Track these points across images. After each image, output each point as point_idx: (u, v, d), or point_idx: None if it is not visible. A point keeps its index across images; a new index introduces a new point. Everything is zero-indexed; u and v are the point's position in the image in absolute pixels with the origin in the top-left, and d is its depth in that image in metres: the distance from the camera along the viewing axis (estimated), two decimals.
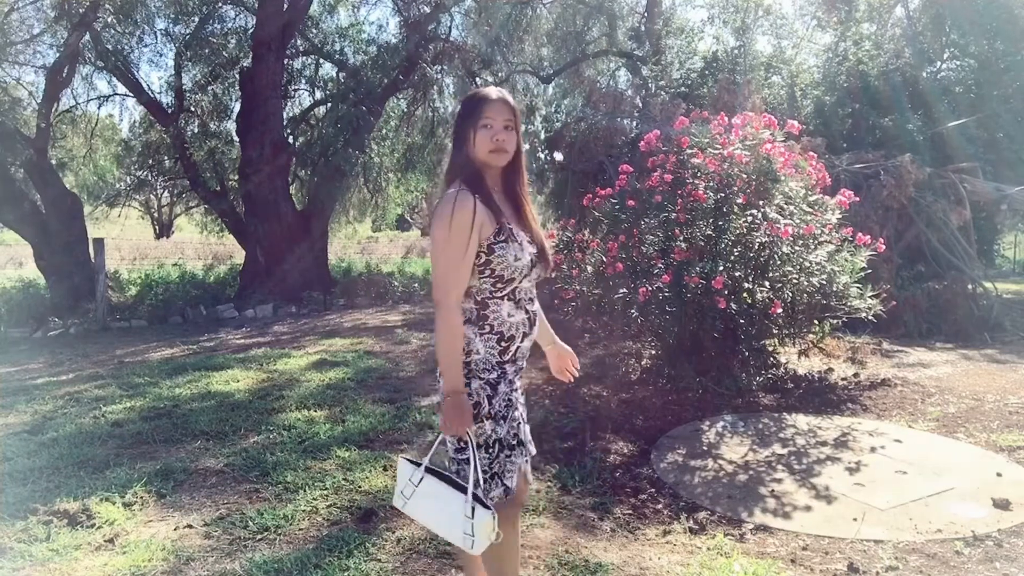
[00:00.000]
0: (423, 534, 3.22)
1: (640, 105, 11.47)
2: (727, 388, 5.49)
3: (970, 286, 8.42)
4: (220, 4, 12.78)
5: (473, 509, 2.02)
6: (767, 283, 5.35)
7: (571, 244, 6.00)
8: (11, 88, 12.29)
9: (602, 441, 4.49)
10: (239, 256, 14.68)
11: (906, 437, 4.57)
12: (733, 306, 5.24)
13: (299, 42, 13.42)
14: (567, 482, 3.81)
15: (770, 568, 2.92)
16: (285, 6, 11.71)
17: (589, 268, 5.74)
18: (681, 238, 5.43)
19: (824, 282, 5.31)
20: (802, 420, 4.95)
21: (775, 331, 5.72)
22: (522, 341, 2.22)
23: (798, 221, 5.33)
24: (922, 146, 9.88)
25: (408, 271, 14.94)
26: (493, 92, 2.17)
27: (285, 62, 12.63)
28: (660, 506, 3.58)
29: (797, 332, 5.92)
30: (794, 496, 3.66)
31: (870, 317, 5.54)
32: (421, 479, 2.16)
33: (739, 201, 5.33)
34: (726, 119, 5.60)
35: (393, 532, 3.24)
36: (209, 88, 13.19)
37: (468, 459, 2.10)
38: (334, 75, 14.44)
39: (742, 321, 5.44)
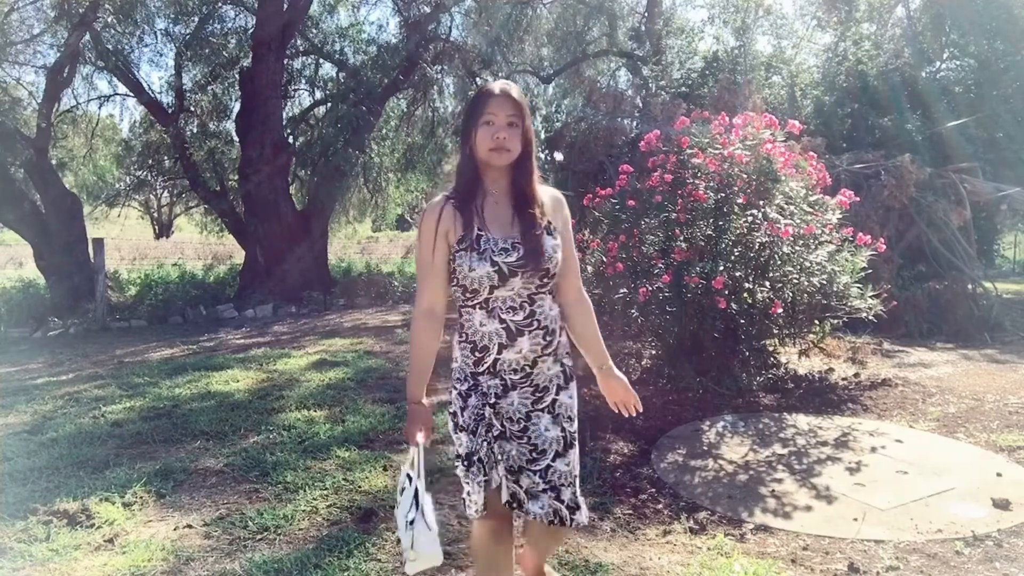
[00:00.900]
0: None
1: (640, 105, 11.47)
2: (727, 388, 5.49)
3: (970, 286, 8.42)
4: (220, 4, 12.78)
5: (409, 523, 1.94)
6: (767, 283, 5.35)
7: None
8: (11, 88, 12.29)
9: (602, 441, 4.48)
10: (239, 256, 14.68)
11: (907, 437, 4.57)
12: (733, 306, 5.24)
13: (299, 42, 13.42)
14: None
15: (770, 568, 2.91)
16: (285, 6, 11.71)
17: (589, 268, 5.74)
18: (681, 238, 5.42)
19: (824, 282, 5.30)
20: (802, 420, 4.94)
21: (775, 331, 5.71)
22: (499, 352, 2.07)
23: (798, 221, 5.32)
24: (921, 146, 9.88)
25: (408, 271, 14.93)
26: (497, 86, 2.06)
27: (285, 62, 12.63)
28: (660, 506, 3.58)
29: (797, 332, 5.91)
30: (794, 496, 3.66)
31: (870, 317, 5.54)
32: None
33: (739, 201, 5.32)
34: (727, 119, 5.59)
35: (393, 532, 3.23)
36: (209, 88, 13.18)
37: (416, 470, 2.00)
38: (334, 75, 14.44)
39: (742, 321, 5.43)
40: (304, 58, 14.27)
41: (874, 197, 8.10)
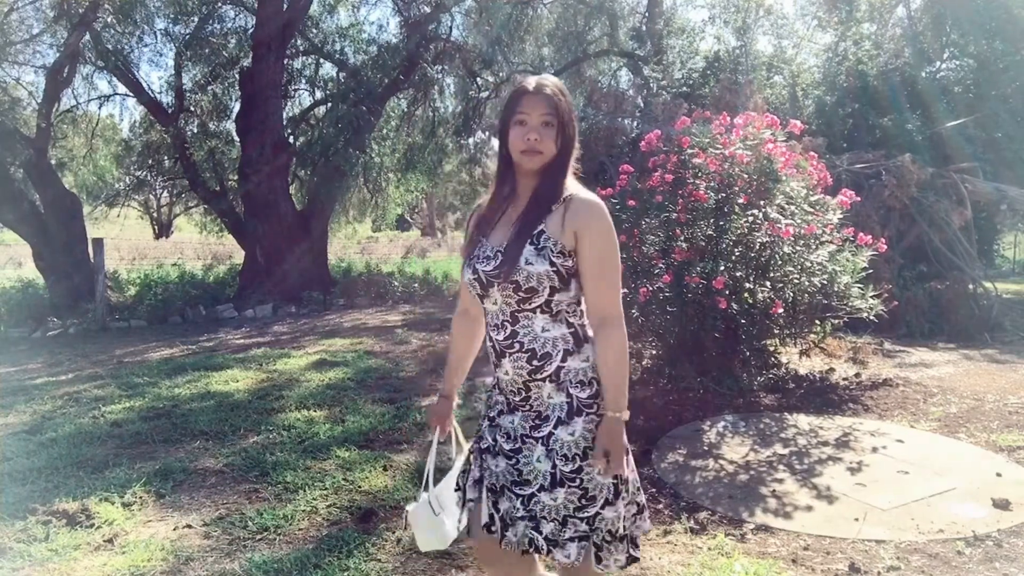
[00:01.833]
0: None
1: (641, 105, 11.47)
2: (728, 388, 5.49)
3: (971, 286, 8.42)
4: (220, 4, 12.78)
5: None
6: (768, 283, 5.35)
7: None
8: (11, 88, 12.29)
9: None
10: (238, 256, 14.68)
11: (908, 437, 4.56)
12: (734, 306, 5.24)
13: (299, 42, 13.42)
14: None
15: (771, 568, 2.91)
16: (285, 6, 11.71)
17: None
18: (682, 238, 5.42)
19: (825, 282, 5.30)
20: (803, 420, 4.94)
21: (776, 331, 5.71)
22: (496, 370, 1.97)
23: (799, 221, 5.32)
24: (922, 146, 9.88)
25: (408, 271, 14.93)
26: (532, 82, 1.89)
27: (285, 62, 12.63)
28: (661, 506, 3.57)
29: (798, 332, 5.91)
30: (795, 496, 3.65)
31: (871, 317, 5.53)
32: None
33: (740, 201, 5.32)
34: (728, 119, 5.59)
35: (393, 532, 3.23)
36: (209, 88, 13.19)
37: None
38: (334, 75, 14.44)
39: (743, 321, 5.43)
40: (304, 58, 14.27)
41: (875, 197, 8.10)
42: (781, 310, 5.28)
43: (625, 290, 5.41)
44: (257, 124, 11.65)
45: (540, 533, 1.88)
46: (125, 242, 22.32)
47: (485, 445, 2.01)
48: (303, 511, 3.46)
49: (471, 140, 15.93)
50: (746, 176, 5.38)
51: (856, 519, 3.36)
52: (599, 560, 1.90)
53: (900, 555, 3.02)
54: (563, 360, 1.88)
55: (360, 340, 8.21)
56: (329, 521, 3.37)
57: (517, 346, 1.89)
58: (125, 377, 6.37)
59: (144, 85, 12.81)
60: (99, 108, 14.36)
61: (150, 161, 14.10)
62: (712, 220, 5.38)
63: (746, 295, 5.39)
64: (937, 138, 10.26)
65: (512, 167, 1.93)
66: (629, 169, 5.94)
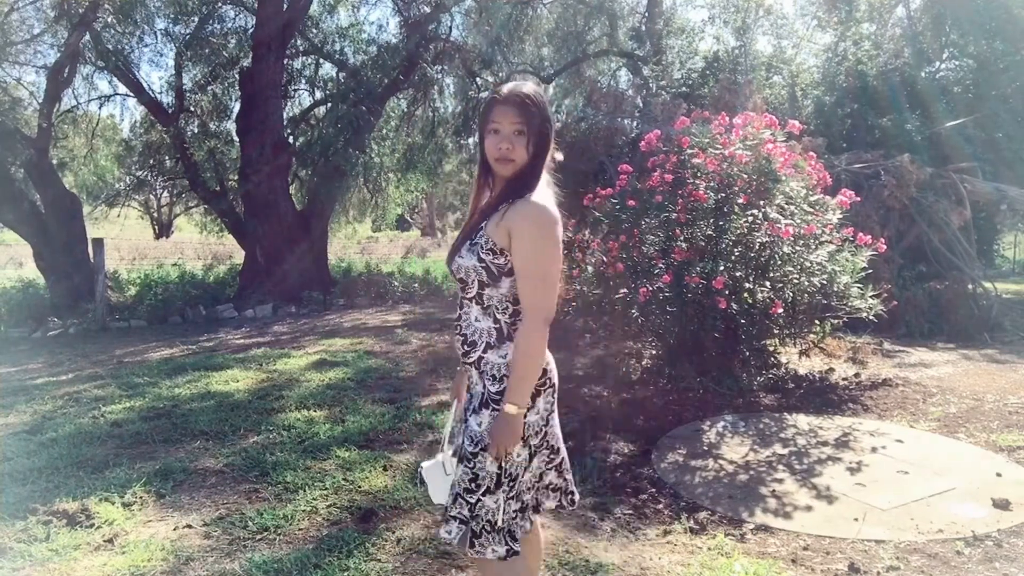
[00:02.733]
0: (423, 534, 3.22)
1: (641, 105, 11.47)
2: (728, 388, 5.49)
3: (971, 286, 8.42)
4: (220, 4, 12.77)
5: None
6: (768, 283, 5.35)
7: (571, 244, 5.99)
8: (11, 88, 12.29)
9: (602, 441, 4.48)
10: (239, 256, 14.67)
11: (907, 437, 4.56)
12: (734, 306, 5.24)
13: (299, 42, 13.41)
14: None
15: (771, 568, 2.91)
16: (285, 6, 11.70)
17: (589, 268, 5.74)
18: (682, 238, 5.42)
19: (825, 282, 5.30)
20: (803, 420, 4.94)
21: (776, 331, 5.71)
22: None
23: (799, 221, 5.32)
24: (921, 146, 9.88)
25: (408, 271, 14.94)
26: (504, 90, 1.96)
27: (285, 62, 12.62)
28: (661, 506, 3.57)
29: (798, 332, 5.91)
30: (795, 496, 3.66)
31: (871, 317, 5.54)
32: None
33: (740, 201, 5.32)
34: (727, 119, 5.59)
35: (393, 532, 3.24)
36: (209, 88, 13.18)
37: None
38: (334, 75, 14.43)
39: (743, 321, 5.43)
40: (304, 58, 14.27)
41: (874, 197, 8.10)
42: (781, 310, 5.28)
43: (625, 290, 5.44)
44: (257, 124, 11.65)
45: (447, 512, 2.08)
46: (125, 242, 22.33)
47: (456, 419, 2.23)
48: (303, 511, 3.47)
49: (471, 140, 15.92)
50: (745, 176, 5.38)
51: (856, 519, 3.37)
52: (473, 546, 2.01)
53: (899, 555, 3.03)
54: (484, 351, 1.99)
55: (360, 340, 8.21)
56: (329, 521, 3.38)
57: (457, 328, 2.05)
58: (125, 377, 6.37)
59: (144, 85, 12.81)
60: (99, 108, 14.36)
61: (150, 161, 14.09)
62: (712, 220, 5.39)
63: (746, 295, 5.39)
64: (937, 138, 10.26)
65: (491, 170, 2.03)
66: (629, 169, 5.95)
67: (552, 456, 2.15)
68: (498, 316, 1.98)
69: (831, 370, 6.24)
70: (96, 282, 9.90)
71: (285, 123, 13.16)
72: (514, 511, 2.04)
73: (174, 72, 12.83)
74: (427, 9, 13.41)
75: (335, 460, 4.15)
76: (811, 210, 5.49)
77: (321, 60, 14.35)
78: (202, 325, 10.05)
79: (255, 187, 11.64)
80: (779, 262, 5.32)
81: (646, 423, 4.84)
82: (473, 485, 1.99)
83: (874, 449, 4.31)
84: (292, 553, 3.04)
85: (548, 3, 14.70)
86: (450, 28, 14.30)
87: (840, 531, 3.25)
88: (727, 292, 5.15)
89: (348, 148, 12.15)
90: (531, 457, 2.03)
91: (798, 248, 5.33)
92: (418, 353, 7.40)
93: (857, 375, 6.15)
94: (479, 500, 1.99)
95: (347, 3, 14.55)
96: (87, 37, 11.27)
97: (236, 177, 12.91)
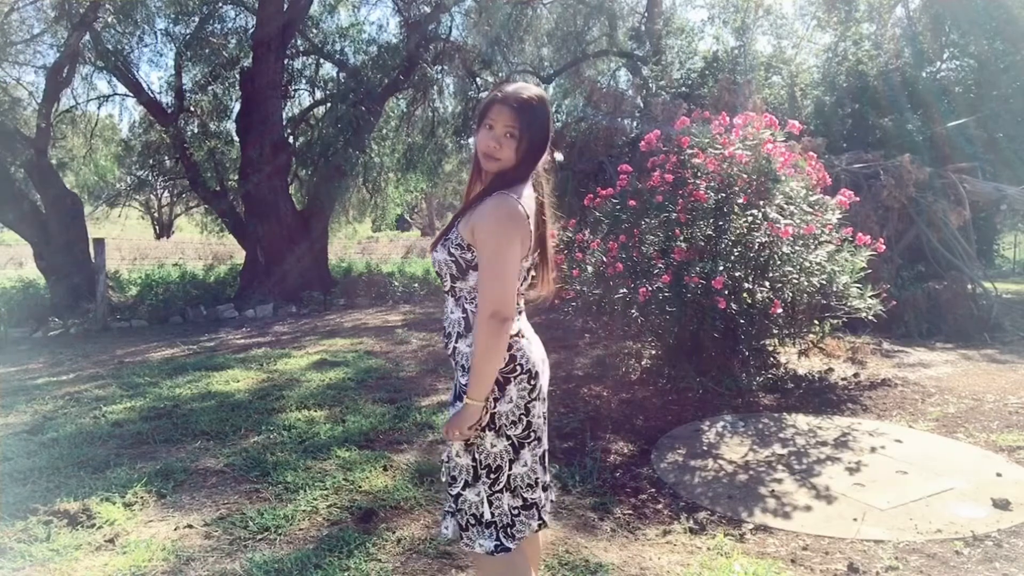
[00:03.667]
0: (423, 534, 3.22)
1: (641, 105, 11.47)
2: (727, 388, 5.50)
3: (970, 286, 8.42)
4: (220, 4, 12.78)
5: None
6: (767, 283, 5.35)
7: (571, 244, 6.00)
8: (11, 88, 12.31)
9: (602, 441, 4.49)
10: (239, 256, 14.69)
11: (906, 437, 4.57)
12: (733, 306, 5.25)
13: (299, 42, 13.42)
14: (567, 482, 3.81)
15: (770, 568, 2.92)
16: (285, 6, 11.71)
17: (589, 268, 5.74)
18: (681, 238, 5.43)
19: (824, 282, 5.31)
20: (802, 420, 4.95)
21: (775, 331, 5.72)
22: None
23: (798, 221, 5.33)
24: (921, 146, 9.88)
25: (408, 271, 14.95)
26: (505, 91, 1.99)
27: (285, 62, 12.63)
28: (660, 506, 3.58)
29: (797, 332, 5.92)
30: (794, 496, 3.66)
31: (870, 317, 5.54)
32: None
33: (740, 201, 5.33)
34: (727, 119, 5.60)
35: (393, 532, 3.24)
36: (209, 88, 13.19)
37: None
38: (334, 75, 14.44)
39: (742, 321, 5.44)
40: (304, 58, 14.28)
41: (874, 197, 8.11)
42: (780, 310, 5.29)
43: (624, 290, 5.45)
44: (257, 124, 11.65)
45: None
46: (126, 242, 22.35)
47: None
48: (304, 511, 3.47)
49: (471, 140, 15.93)
50: (745, 176, 5.39)
51: (855, 519, 3.37)
52: (461, 539, 2.06)
53: (899, 555, 3.03)
54: (456, 341, 2.04)
55: (360, 340, 8.22)
56: (329, 521, 3.38)
57: (443, 320, 2.11)
58: (126, 377, 6.38)
59: (144, 85, 12.83)
60: (98, 108, 14.39)
61: (150, 161, 14.11)
62: (711, 220, 5.39)
63: (745, 295, 5.40)
64: (937, 138, 10.26)
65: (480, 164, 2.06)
66: (628, 169, 5.95)
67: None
68: (467, 307, 2.02)
69: (830, 370, 6.25)
70: (97, 282, 9.91)
71: (285, 123, 13.17)
72: (514, 507, 2.04)
73: (174, 72, 12.85)
74: (427, 9, 13.42)
75: (335, 460, 4.16)
76: (810, 210, 5.50)
77: (321, 60, 14.36)
78: (203, 325, 10.06)
79: (255, 187, 11.65)
80: (778, 262, 5.33)
81: (645, 423, 4.84)
82: (451, 479, 2.07)
83: (873, 449, 4.32)
84: (293, 553, 3.05)
85: (548, 3, 14.71)
86: (450, 28, 14.32)
87: (839, 531, 3.26)
88: (726, 292, 5.15)
89: (348, 148, 12.16)
90: (516, 449, 2.02)
91: (797, 248, 5.34)
92: (418, 353, 7.41)
93: (856, 375, 6.16)
94: (459, 493, 2.04)
95: (347, 3, 14.56)
96: (87, 37, 11.28)
97: (236, 177, 12.92)
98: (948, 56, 12.41)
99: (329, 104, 13.65)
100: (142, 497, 3.66)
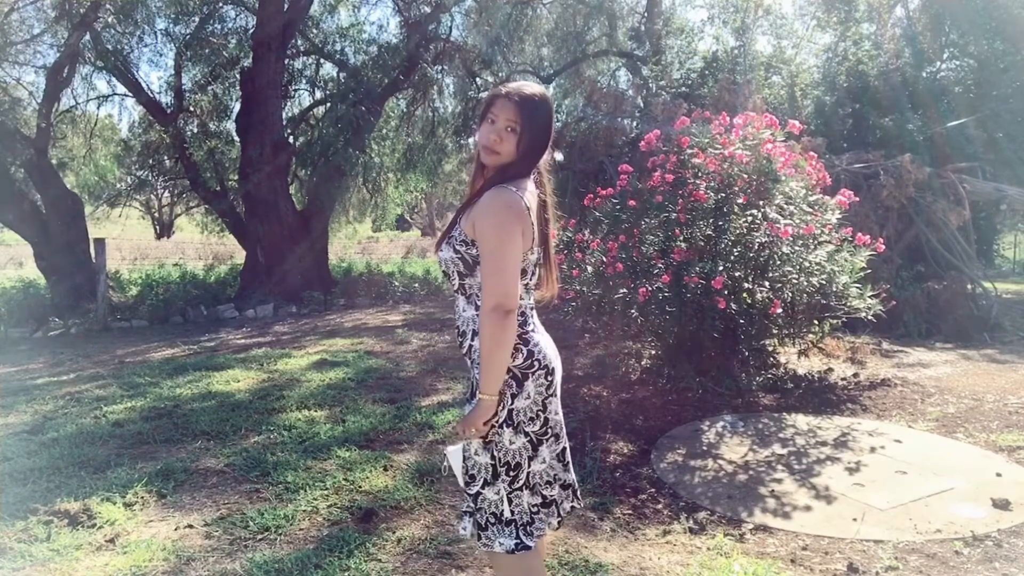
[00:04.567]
0: (423, 534, 3.23)
1: (641, 105, 11.46)
2: (727, 388, 5.50)
3: (969, 286, 8.43)
4: (220, 4, 12.79)
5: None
6: (767, 283, 5.36)
7: (571, 244, 6.01)
8: (11, 88, 12.31)
9: (602, 441, 4.49)
10: (239, 256, 14.69)
11: (906, 437, 4.57)
12: (733, 306, 5.25)
13: (299, 42, 13.43)
14: None
15: (770, 568, 2.92)
16: (285, 6, 11.71)
17: (589, 268, 5.75)
18: (681, 238, 5.43)
19: (824, 282, 5.31)
20: (802, 420, 4.95)
21: (775, 331, 5.72)
22: None
23: (798, 221, 5.33)
24: (921, 146, 9.88)
25: (408, 271, 14.95)
26: (508, 87, 2.00)
27: (285, 62, 12.64)
28: (660, 506, 3.58)
29: (797, 332, 5.92)
30: (794, 496, 3.67)
31: (870, 317, 5.54)
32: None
33: (740, 201, 5.33)
34: (727, 119, 5.60)
35: (393, 532, 3.25)
36: (209, 88, 13.20)
37: None
38: (334, 75, 14.45)
39: (742, 321, 5.44)
40: (304, 58, 14.28)
41: (873, 197, 8.11)
42: (780, 310, 5.29)
43: (624, 290, 5.45)
44: (257, 124, 11.66)
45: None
46: (126, 242, 22.36)
47: None
48: (304, 511, 3.48)
49: (471, 140, 15.94)
50: (745, 176, 5.39)
51: (854, 519, 3.38)
52: (479, 538, 2.04)
53: (898, 555, 3.04)
54: (472, 339, 2.03)
55: (361, 340, 8.22)
56: (330, 521, 3.39)
57: (455, 321, 2.10)
58: (127, 377, 6.38)
59: (144, 85, 12.84)
60: (97, 108, 14.40)
61: (150, 161, 14.11)
62: (711, 220, 5.39)
63: (745, 295, 5.40)
64: (937, 138, 10.26)
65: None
66: (629, 169, 5.96)
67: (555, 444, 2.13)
68: (479, 304, 1.98)
69: (830, 370, 6.25)
70: (97, 282, 9.92)
71: (285, 123, 13.18)
72: (533, 505, 2.03)
73: (174, 72, 12.85)
74: (427, 9, 13.43)
75: (336, 460, 4.16)
76: (810, 210, 5.50)
77: (321, 60, 14.36)
78: (203, 325, 10.06)
79: (255, 187, 11.65)
80: (778, 262, 5.33)
81: (645, 423, 4.85)
82: (470, 477, 2.04)
83: (873, 449, 4.32)
84: (293, 553, 3.05)
85: (548, 3, 14.72)
86: (450, 28, 14.32)
87: (839, 531, 3.26)
88: (726, 292, 5.15)
89: (348, 148, 12.17)
90: (534, 446, 2.01)
91: (797, 248, 5.34)
92: (418, 353, 7.42)
93: (856, 375, 6.16)
94: (479, 492, 2.02)
95: (347, 3, 14.56)
96: (87, 37, 11.28)
97: (236, 177, 12.93)
98: (948, 56, 12.40)
99: (329, 104, 13.65)
100: (142, 497, 3.66)
